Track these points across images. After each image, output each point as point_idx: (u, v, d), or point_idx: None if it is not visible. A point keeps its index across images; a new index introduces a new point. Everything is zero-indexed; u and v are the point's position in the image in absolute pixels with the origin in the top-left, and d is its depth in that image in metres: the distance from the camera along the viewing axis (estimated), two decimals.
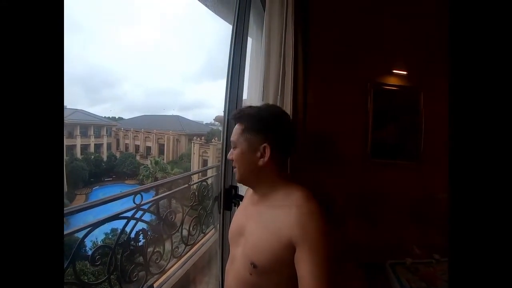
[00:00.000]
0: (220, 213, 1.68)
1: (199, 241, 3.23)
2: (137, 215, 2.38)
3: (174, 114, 43.68)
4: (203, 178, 3.38)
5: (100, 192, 27.46)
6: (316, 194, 1.04)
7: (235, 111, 1.26)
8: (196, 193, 3.15)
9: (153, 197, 2.73)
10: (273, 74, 1.63)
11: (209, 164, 22.39)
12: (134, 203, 2.31)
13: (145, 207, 2.41)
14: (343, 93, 3.38)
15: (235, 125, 1.16)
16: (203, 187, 3.27)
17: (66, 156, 26.63)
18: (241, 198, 1.54)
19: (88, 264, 2.28)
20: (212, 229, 3.50)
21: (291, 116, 1.67)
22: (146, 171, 23.78)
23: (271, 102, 1.63)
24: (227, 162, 1.72)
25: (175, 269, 2.83)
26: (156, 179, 22.59)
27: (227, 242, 1.72)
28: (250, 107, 1.21)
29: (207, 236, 3.40)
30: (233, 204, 1.60)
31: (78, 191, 26.51)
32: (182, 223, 2.96)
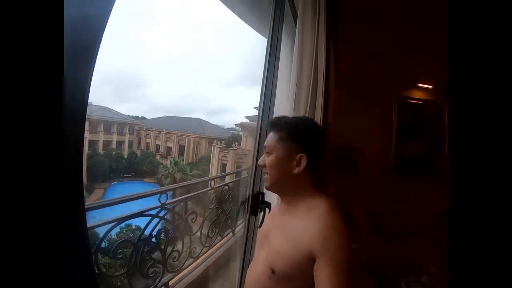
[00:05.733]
0: (246, 217, 1.72)
1: (216, 243, 3.27)
2: (161, 214, 2.50)
3: (198, 117, 44.13)
4: (224, 182, 3.43)
5: (119, 188, 27.80)
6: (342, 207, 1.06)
7: (273, 118, 1.30)
8: (217, 197, 3.21)
9: (171, 198, 2.79)
10: (304, 87, 1.68)
11: (228, 168, 22.51)
12: (160, 202, 2.42)
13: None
14: (368, 106, 3.38)
15: (268, 132, 1.20)
16: (224, 191, 3.31)
17: (88, 150, 27.21)
18: (267, 204, 1.57)
19: (104, 257, 2.41)
20: (230, 233, 3.54)
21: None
22: (165, 170, 23.96)
23: (301, 114, 1.67)
24: (257, 168, 1.74)
25: (191, 269, 2.90)
26: (174, 180, 22.79)
27: (250, 245, 1.78)
28: (287, 116, 1.26)
29: (224, 240, 3.43)
30: (259, 210, 1.64)
31: (98, 185, 26.76)
32: (202, 225, 3.05)
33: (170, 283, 2.65)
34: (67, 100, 0.56)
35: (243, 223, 2.24)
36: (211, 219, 3.26)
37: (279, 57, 1.83)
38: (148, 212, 2.48)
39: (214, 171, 23.60)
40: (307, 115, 1.68)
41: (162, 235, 2.67)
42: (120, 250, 2.25)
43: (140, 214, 2.47)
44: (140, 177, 30.20)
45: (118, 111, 37.98)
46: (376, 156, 3.57)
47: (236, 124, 27.97)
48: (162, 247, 2.62)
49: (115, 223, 2.25)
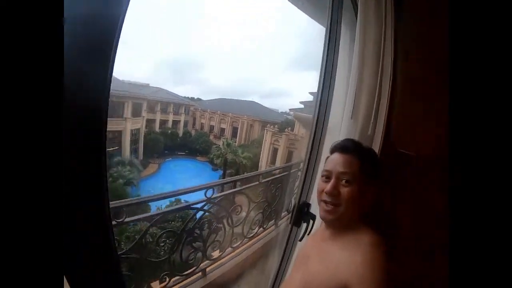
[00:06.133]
0: (289, 228, 1.61)
1: (258, 235, 3.25)
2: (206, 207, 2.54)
3: (253, 100, 44.69)
4: (272, 177, 3.35)
5: (172, 164, 29.66)
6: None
7: (351, 141, 1.11)
8: (264, 191, 3.15)
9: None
10: (365, 88, 1.49)
11: (279, 153, 22.51)
12: (206, 196, 2.44)
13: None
14: (428, 111, 3.06)
15: (344, 154, 1.04)
16: (272, 185, 3.24)
17: (145, 128, 28.96)
18: (312, 216, 1.44)
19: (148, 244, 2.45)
20: (273, 225, 3.50)
21: (383, 136, 1.55)
22: (218, 151, 24.50)
23: (361, 118, 1.51)
24: (306, 175, 1.59)
25: (229, 258, 2.95)
26: (226, 160, 23.32)
27: (287, 255, 1.68)
28: (359, 142, 1.12)
29: (266, 232, 3.41)
30: (302, 221, 1.51)
31: (152, 160, 28.71)
32: (245, 217, 3.04)
33: (207, 269, 2.72)
34: (87, 96, 0.59)
35: (288, 215, 2.15)
36: (256, 212, 3.21)
37: (338, 50, 1.62)
38: (194, 206, 2.53)
39: (265, 155, 23.82)
40: (371, 120, 1.52)
41: (205, 227, 2.74)
42: (163, 239, 2.37)
43: (187, 207, 2.56)
44: (193, 156, 31.62)
45: (176, 92, 39.86)
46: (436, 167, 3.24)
47: (290, 110, 27.71)
48: (204, 237, 2.68)
49: (161, 215, 2.32)
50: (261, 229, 3.34)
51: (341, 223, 1.02)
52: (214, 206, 2.60)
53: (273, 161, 23.34)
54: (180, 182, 24.64)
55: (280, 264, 1.68)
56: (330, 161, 1.07)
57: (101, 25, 0.59)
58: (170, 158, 30.73)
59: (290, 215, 1.60)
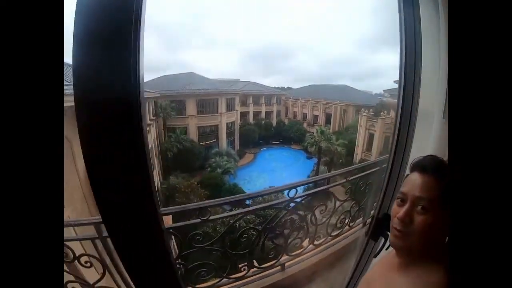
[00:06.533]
0: (364, 241, 1.43)
1: (343, 233, 3.10)
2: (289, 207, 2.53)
3: (344, 84, 43.29)
4: (361, 173, 3.11)
5: (267, 153, 30.84)
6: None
7: (434, 160, 0.90)
8: (352, 189, 2.96)
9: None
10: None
11: (375, 139, 21.42)
12: (288, 196, 2.41)
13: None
14: None
15: (422, 174, 0.86)
16: (360, 182, 3.02)
17: (240, 121, 30.70)
18: None
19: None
20: (360, 223, 3.30)
21: None
22: (311, 139, 24.30)
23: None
24: (389, 182, 1.38)
25: (309, 255, 2.90)
26: (320, 148, 23.05)
27: (360, 270, 1.58)
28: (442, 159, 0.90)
29: (352, 230, 3.23)
30: (380, 236, 1.32)
31: (248, 150, 30.38)
32: (330, 216, 2.91)
33: (286, 264, 2.74)
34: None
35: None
36: (343, 210, 3.03)
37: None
38: (277, 206, 2.53)
39: (361, 141, 22.94)
40: None
41: (288, 225, 2.74)
42: (245, 235, 2.42)
43: (269, 206, 2.59)
44: (288, 144, 32.27)
45: (266, 84, 40.80)
46: None
47: (384, 91, 25.99)
48: (286, 234, 2.69)
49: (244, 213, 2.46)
50: (347, 227, 3.16)
51: (411, 255, 0.87)
52: (298, 205, 2.59)
53: (368, 148, 22.45)
54: (275, 170, 25.32)
55: (352, 277, 1.57)
56: (407, 181, 0.91)
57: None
58: (265, 148, 31.82)
59: (367, 226, 1.43)
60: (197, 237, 2.08)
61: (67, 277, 1.79)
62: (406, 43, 1.30)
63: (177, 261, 1.95)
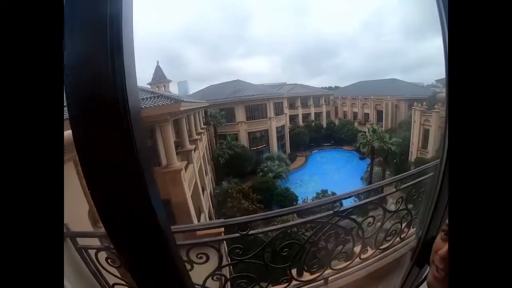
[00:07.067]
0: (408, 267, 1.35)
1: (393, 246, 2.94)
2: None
3: (393, 77, 41.21)
4: (413, 181, 2.92)
5: (318, 156, 30.34)
6: None
7: None
8: (403, 198, 2.77)
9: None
10: None
11: (431, 135, 20.09)
12: (333, 210, 2.35)
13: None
14: None
15: None
16: (414, 190, 2.84)
17: (290, 124, 30.31)
18: None
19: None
20: (413, 235, 3.12)
21: None
22: (363, 138, 23.31)
23: None
24: (439, 198, 1.29)
25: (354, 269, 2.77)
26: (372, 148, 22.14)
27: None
28: None
29: (403, 242, 3.04)
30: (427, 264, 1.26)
31: (299, 153, 30.07)
32: (378, 230, 2.77)
33: (330, 278, 2.64)
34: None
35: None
36: (393, 221, 2.86)
37: None
38: (320, 220, 2.46)
39: (415, 138, 21.70)
40: None
41: (332, 239, 2.57)
42: (286, 249, 2.36)
43: (312, 221, 2.53)
44: (339, 145, 31.46)
45: (312, 85, 40.01)
46: None
47: (436, 81, 24.30)
48: (329, 249, 2.57)
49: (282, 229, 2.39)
50: (398, 239, 2.99)
51: None
52: (342, 219, 2.46)
53: (424, 145, 21.17)
54: (327, 173, 24.82)
55: None
56: None
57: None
58: (316, 150, 31.35)
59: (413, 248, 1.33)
60: (237, 250, 2.10)
61: (113, 279, 1.96)
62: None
63: (216, 272, 2.03)
